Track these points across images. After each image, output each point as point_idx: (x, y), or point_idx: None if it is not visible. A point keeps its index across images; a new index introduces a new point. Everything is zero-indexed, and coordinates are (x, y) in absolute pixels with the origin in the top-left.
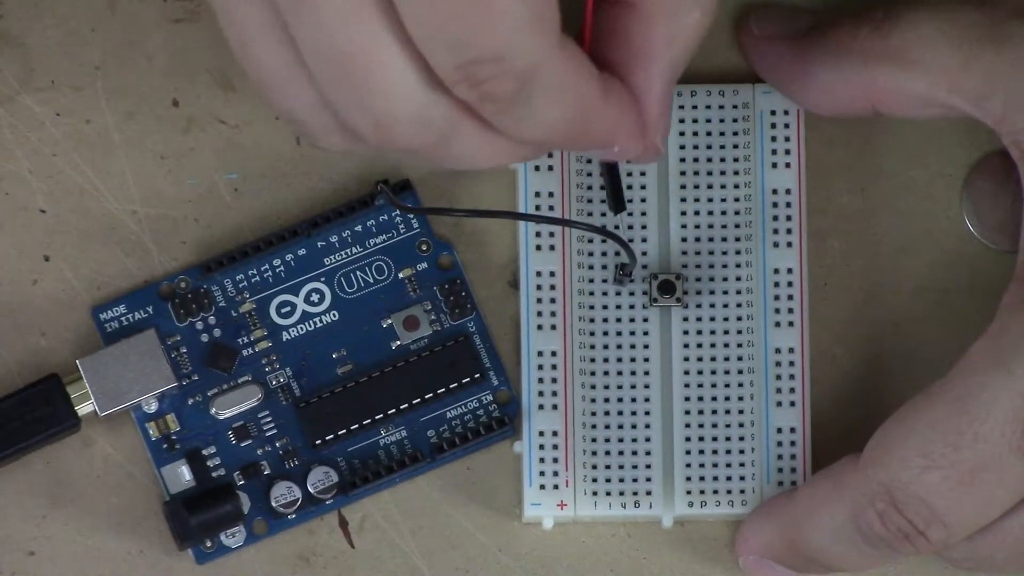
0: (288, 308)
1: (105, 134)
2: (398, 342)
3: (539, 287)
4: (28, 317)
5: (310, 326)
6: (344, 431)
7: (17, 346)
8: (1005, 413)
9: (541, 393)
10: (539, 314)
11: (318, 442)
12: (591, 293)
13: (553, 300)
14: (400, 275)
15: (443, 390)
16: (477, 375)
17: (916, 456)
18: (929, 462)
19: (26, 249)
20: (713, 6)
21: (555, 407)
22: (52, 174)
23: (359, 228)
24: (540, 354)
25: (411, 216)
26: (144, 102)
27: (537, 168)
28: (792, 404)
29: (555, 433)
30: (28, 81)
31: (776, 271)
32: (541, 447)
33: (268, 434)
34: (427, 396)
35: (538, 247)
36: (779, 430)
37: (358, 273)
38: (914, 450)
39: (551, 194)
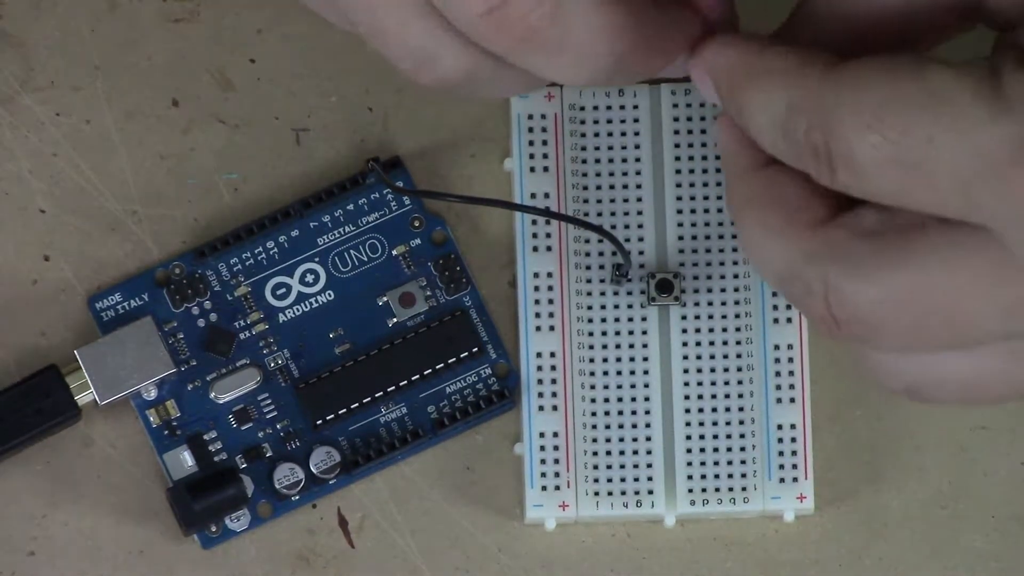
0: (283, 290)
1: (105, 134)
2: (395, 319)
3: (536, 288)
4: (28, 317)
5: (306, 307)
6: (344, 410)
7: (17, 346)
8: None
9: (541, 395)
10: (537, 315)
11: (319, 422)
12: (589, 293)
13: (551, 301)
14: (394, 252)
15: (442, 365)
16: (475, 349)
17: (873, 109)
18: (880, 127)
19: (26, 249)
20: None
21: (555, 408)
22: (52, 174)
23: (351, 207)
24: (539, 355)
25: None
26: (144, 102)
27: (532, 170)
28: (792, 401)
29: (555, 434)
30: (28, 81)
31: None
32: (542, 448)
33: (268, 416)
34: (426, 372)
35: (535, 248)
36: (779, 427)
37: (352, 252)
38: (875, 104)
39: (547, 195)
